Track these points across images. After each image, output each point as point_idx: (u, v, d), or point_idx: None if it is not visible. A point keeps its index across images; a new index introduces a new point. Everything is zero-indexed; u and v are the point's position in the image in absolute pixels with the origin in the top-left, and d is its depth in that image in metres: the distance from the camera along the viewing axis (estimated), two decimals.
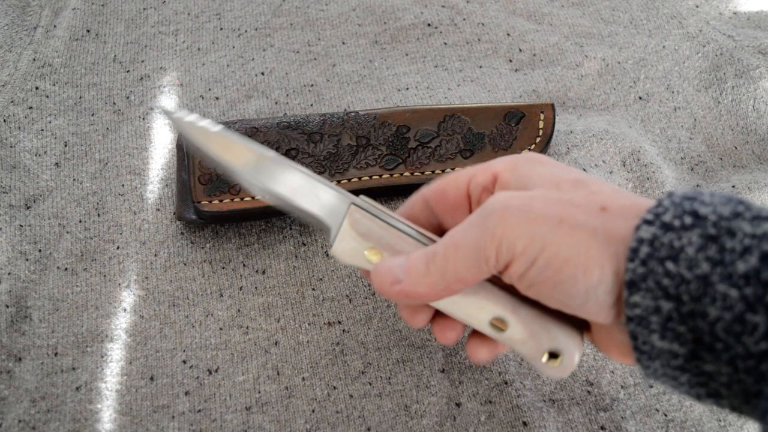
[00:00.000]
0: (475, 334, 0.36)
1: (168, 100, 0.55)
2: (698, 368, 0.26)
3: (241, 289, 0.46)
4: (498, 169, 0.33)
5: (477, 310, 0.33)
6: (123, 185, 0.50)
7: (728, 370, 0.25)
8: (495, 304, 0.33)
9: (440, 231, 0.37)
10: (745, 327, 0.24)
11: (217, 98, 0.55)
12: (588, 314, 0.29)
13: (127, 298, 0.45)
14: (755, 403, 0.25)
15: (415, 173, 0.48)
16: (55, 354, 0.43)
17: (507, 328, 0.33)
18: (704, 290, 0.25)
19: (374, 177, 0.48)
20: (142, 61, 0.57)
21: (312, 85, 0.56)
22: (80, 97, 0.55)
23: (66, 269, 0.46)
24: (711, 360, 0.26)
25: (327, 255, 0.47)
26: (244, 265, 0.46)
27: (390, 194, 0.49)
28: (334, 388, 0.42)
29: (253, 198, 0.46)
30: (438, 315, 0.36)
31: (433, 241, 0.34)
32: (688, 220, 0.26)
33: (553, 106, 0.51)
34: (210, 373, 0.42)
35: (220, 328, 0.44)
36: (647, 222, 0.27)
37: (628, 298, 0.26)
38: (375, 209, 0.35)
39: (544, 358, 0.33)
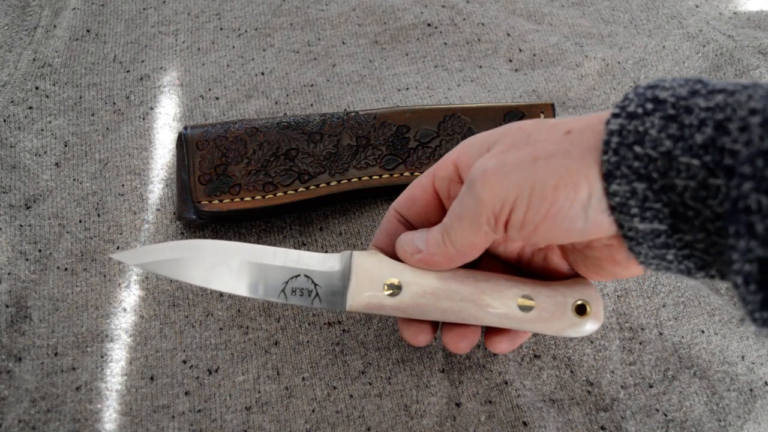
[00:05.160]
0: (492, 329, 0.38)
1: (168, 100, 0.55)
2: (681, 241, 0.28)
3: None
4: (454, 157, 0.35)
5: (508, 290, 0.36)
6: (123, 185, 0.50)
7: (702, 235, 0.27)
8: (518, 285, 0.36)
9: None
10: (709, 191, 0.26)
11: (217, 98, 0.55)
12: (592, 231, 0.30)
13: (127, 298, 0.45)
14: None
15: (415, 173, 0.48)
16: (55, 354, 0.43)
17: (534, 302, 0.36)
18: (670, 164, 0.27)
19: (374, 177, 0.48)
20: (142, 61, 0.57)
21: (312, 85, 0.56)
22: (80, 97, 0.55)
23: (66, 269, 0.46)
24: (688, 229, 0.28)
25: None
26: None
27: (390, 194, 0.49)
28: (334, 388, 0.42)
29: (253, 198, 0.46)
30: (449, 324, 0.38)
31: None
32: (649, 105, 0.28)
33: (553, 106, 0.51)
34: (210, 373, 0.42)
35: (220, 328, 0.44)
36: (614, 115, 0.29)
37: (608, 188, 0.28)
38: (375, 253, 0.38)
39: (574, 317, 0.36)
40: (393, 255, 0.37)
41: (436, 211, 0.38)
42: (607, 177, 0.28)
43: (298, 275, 0.37)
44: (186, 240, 0.38)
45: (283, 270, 0.37)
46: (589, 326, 0.36)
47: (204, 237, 0.48)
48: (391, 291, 0.36)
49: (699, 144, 0.26)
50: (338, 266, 0.37)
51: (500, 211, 0.31)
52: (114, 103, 0.54)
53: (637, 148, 0.28)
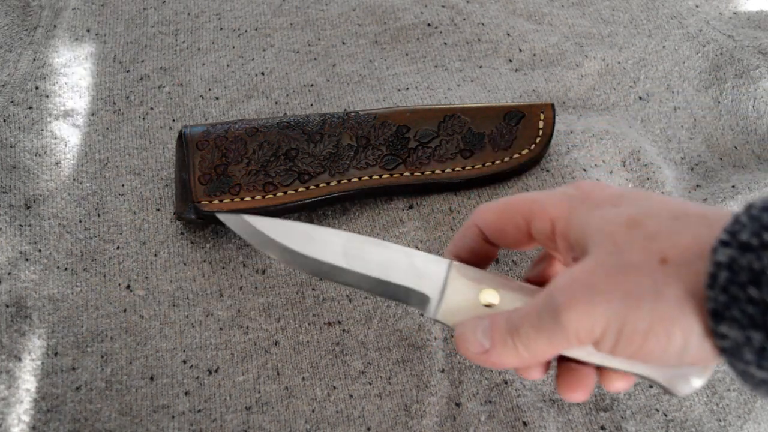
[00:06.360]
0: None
1: (168, 100, 0.55)
2: None
3: (241, 289, 0.46)
4: (554, 215, 0.32)
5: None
6: (123, 185, 0.50)
7: None
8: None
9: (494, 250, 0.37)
10: None
11: (217, 98, 0.55)
12: (689, 363, 0.28)
13: (127, 298, 0.45)
14: None
15: (415, 173, 0.48)
16: (55, 354, 0.43)
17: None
18: None
19: (374, 177, 0.48)
20: (142, 61, 0.57)
21: (312, 85, 0.56)
22: (80, 97, 0.55)
23: (66, 269, 0.46)
24: None
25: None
26: (244, 265, 0.46)
27: (390, 194, 0.49)
28: (334, 388, 0.42)
29: (253, 198, 0.46)
30: (565, 369, 0.33)
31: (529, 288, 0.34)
32: (767, 236, 0.24)
33: (553, 106, 0.51)
34: (210, 373, 0.42)
35: (220, 328, 0.44)
36: (723, 243, 0.25)
37: (716, 328, 0.25)
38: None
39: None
40: (470, 264, 0.36)
41: (527, 244, 0.35)
42: (714, 315, 0.24)
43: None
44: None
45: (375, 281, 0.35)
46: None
47: (204, 237, 0.48)
48: (489, 304, 0.34)
49: None
50: (435, 293, 0.35)
51: (585, 339, 0.28)
52: (114, 103, 0.54)
53: (753, 291, 0.23)
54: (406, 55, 0.59)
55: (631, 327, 0.26)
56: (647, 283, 0.26)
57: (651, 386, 0.42)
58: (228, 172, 0.47)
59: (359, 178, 0.48)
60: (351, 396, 0.42)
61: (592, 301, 0.27)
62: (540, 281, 0.36)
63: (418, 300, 0.35)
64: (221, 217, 0.37)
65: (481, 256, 0.36)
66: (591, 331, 0.27)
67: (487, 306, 0.33)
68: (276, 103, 0.55)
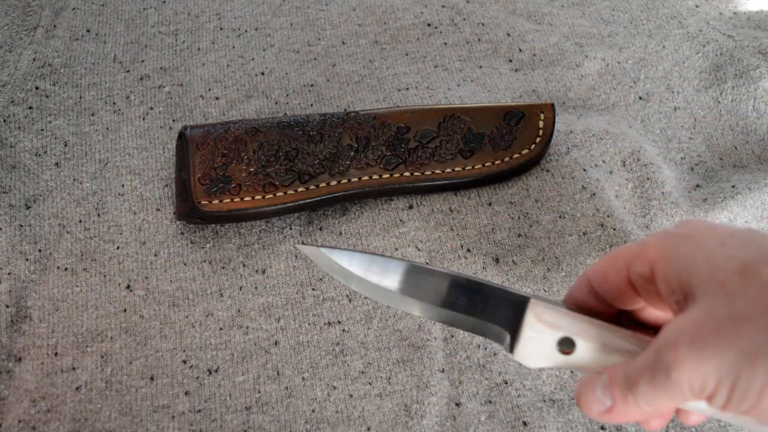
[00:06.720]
0: None
1: (168, 100, 0.55)
2: None
3: (241, 289, 0.46)
4: (653, 258, 0.30)
5: None
6: (123, 185, 0.50)
7: None
8: None
9: (611, 311, 0.35)
10: None
11: (217, 98, 0.55)
12: None
13: (127, 298, 0.45)
14: None
15: (415, 173, 0.48)
16: (55, 354, 0.43)
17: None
18: None
19: (374, 177, 0.48)
20: (142, 61, 0.57)
21: (312, 85, 0.56)
22: (80, 97, 0.55)
23: (66, 269, 0.46)
24: None
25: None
26: (244, 265, 0.46)
27: (390, 194, 0.49)
28: (334, 388, 0.42)
29: (253, 198, 0.46)
30: None
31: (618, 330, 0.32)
32: None
33: (553, 106, 0.51)
34: (210, 373, 0.43)
35: (220, 328, 0.44)
36: None
37: None
38: (553, 303, 0.33)
39: None
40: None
41: (631, 296, 0.33)
42: None
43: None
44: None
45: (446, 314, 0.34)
46: None
47: (204, 237, 0.48)
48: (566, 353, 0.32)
49: None
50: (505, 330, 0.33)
51: (698, 394, 0.27)
52: (114, 103, 0.54)
53: None
54: (406, 55, 0.59)
55: (744, 384, 0.25)
56: (763, 338, 0.25)
57: None
58: (228, 172, 0.47)
59: (359, 178, 0.48)
60: (351, 396, 0.42)
61: (701, 356, 0.25)
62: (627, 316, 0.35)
63: (495, 336, 0.34)
64: (300, 248, 0.37)
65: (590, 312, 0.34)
66: (703, 388, 0.26)
67: (564, 353, 0.32)
68: (276, 103, 0.55)
